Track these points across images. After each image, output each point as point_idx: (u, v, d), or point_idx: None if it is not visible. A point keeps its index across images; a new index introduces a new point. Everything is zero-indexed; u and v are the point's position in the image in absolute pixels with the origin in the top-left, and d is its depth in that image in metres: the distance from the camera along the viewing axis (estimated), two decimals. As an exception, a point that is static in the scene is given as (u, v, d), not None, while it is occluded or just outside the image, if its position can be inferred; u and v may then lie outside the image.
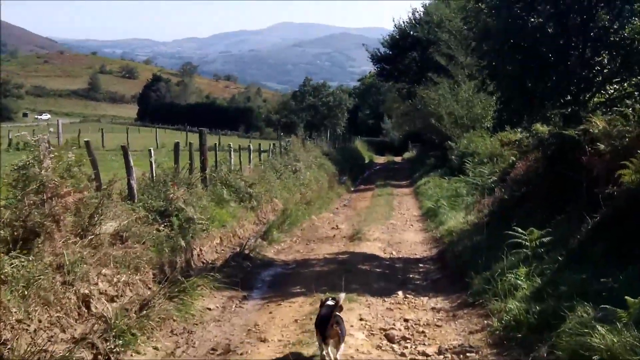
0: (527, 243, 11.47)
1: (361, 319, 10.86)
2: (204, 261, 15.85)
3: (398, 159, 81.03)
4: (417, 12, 60.71)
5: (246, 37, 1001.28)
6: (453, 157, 36.02)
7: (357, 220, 24.52)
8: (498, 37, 16.34)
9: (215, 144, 23.17)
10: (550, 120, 16.74)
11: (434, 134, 45.65)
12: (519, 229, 11.68)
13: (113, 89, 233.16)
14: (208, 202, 18.41)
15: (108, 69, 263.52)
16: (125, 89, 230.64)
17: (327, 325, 8.47)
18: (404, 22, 62.50)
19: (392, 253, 18.38)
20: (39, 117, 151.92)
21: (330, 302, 8.92)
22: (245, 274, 14.91)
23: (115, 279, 10.97)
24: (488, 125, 38.42)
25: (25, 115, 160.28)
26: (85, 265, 10.29)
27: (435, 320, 11.09)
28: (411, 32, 60.79)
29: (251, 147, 27.56)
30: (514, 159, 21.58)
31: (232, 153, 23.93)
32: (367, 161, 69.43)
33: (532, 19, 16.00)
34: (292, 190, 28.51)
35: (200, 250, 15.99)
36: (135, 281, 11.71)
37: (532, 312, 9.14)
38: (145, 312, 9.96)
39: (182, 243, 14.37)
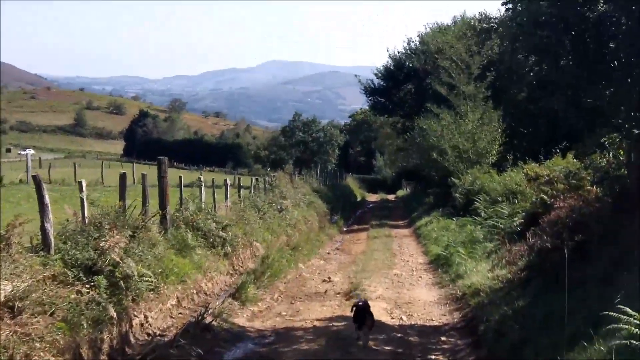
0: (634, 328, 7.33)
1: None
2: (151, 332, 11.72)
3: (391, 197, 77.81)
4: (413, 41, 57.24)
5: (236, 75, 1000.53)
6: (457, 194, 32.13)
7: (354, 270, 20.38)
8: (553, 25, 12.16)
9: (180, 176, 19.01)
10: (608, 145, 12.72)
11: (434, 169, 41.79)
12: (623, 307, 7.56)
13: (100, 125, 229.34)
14: (165, 250, 14.31)
15: (95, 104, 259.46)
16: (113, 125, 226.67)
17: (366, 315, 11.49)
18: (398, 52, 59.05)
19: (401, 318, 14.22)
20: (22, 152, 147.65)
21: (360, 303, 11.80)
22: (202, 355, 10.66)
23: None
24: (493, 161, 34.88)
25: (8, 150, 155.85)
26: None
27: None
28: (407, 63, 57.26)
29: (228, 181, 23.40)
30: (545, 197, 17.71)
31: (202, 188, 19.80)
32: (359, 199, 65.72)
33: (597, 5, 11.83)
34: (276, 231, 24.43)
35: (146, 317, 11.83)
36: (22, 382, 7.57)
37: None
38: None
39: (112, 312, 10.20)
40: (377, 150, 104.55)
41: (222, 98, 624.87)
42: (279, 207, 27.64)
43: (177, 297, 13.62)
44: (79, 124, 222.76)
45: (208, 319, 12.26)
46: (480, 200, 25.52)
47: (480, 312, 12.96)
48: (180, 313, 13.32)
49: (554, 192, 17.53)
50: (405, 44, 58.04)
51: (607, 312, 7.64)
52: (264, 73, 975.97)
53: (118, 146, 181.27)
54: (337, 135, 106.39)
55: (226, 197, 22.61)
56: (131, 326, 11.12)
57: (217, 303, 13.85)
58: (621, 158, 12.48)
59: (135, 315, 11.39)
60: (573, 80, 12.13)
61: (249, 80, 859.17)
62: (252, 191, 27.06)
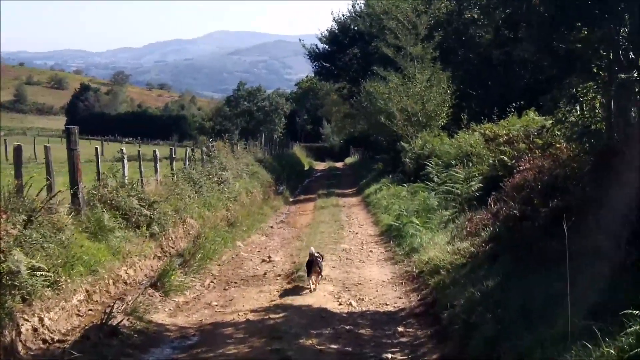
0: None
1: None
2: (48, 338, 9.62)
3: (339, 164, 76.15)
4: (358, 4, 55.28)
5: (182, 47, 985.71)
6: (407, 159, 30.48)
7: (298, 247, 18.47)
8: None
9: (97, 148, 16.88)
10: (581, 96, 10.81)
11: (382, 134, 40.13)
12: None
13: (41, 100, 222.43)
14: (75, 234, 12.25)
15: (36, 79, 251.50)
16: (54, 100, 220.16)
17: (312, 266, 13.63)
18: (343, 15, 57.14)
19: (350, 304, 12.26)
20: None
21: (315, 254, 13.95)
22: None
23: None
24: (442, 124, 33.74)
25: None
26: None
27: None
28: (352, 26, 55.41)
29: (157, 153, 21.19)
30: (505, 159, 16.07)
31: (125, 161, 17.54)
32: (306, 168, 63.98)
33: None
34: (215, 206, 22.33)
35: (41, 320, 9.71)
36: None
37: None
38: None
39: (-15, 321, 8.12)
40: (324, 118, 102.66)
41: (167, 70, 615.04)
42: (218, 179, 25.57)
43: (87, 291, 11.52)
44: (19, 100, 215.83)
45: (119, 318, 10.19)
46: (432, 164, 23.74)
47: (442, 294, 11.02)
48: (90, 310, 11.21)
49: (515, 152, 15.90)
50: (350, 7, 56.32)
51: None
52: (209, 44, 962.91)
53: (60, 122, 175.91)
54: (283, 104, 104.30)
55: (156, 171, 20.47)
56: (19, 333, 9.03)
57: (131, 297, 11.78)
58: (597, 110, 10.68)
59: (25, 319, 9.27)
60: (544, 20, 10.16)
61: (195, 51, 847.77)
62: (187, 163, 24.84)
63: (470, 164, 20.39)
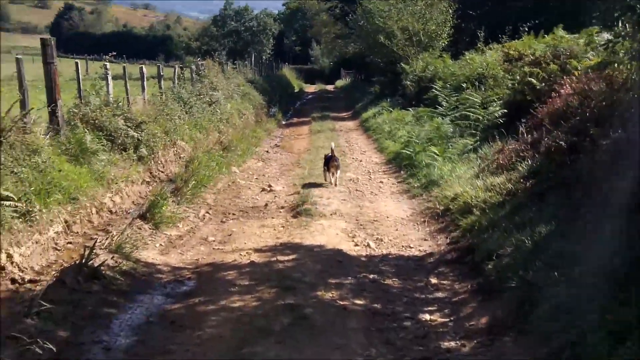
0: None
1: None
2: (18, 279, 7.99)
3: (330, 87, 74.28)
4: None
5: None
6: (408, 82, 28.66)
7: (299, 174, 16.87)
8: None
9: (76, 62, 15.02)
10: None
11: (380, 55, 38.05)
12: None
13: (25, 19, 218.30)
14: (53, 157, 10.63)
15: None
16: (38, 19, 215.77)
17: (330, 160, 15.28)
18: None
19: (368, 245, 10.55)
20: None
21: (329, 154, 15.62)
22: (77, 321, 6.96)
23: None
24: (443, 45, 32.03)
25: None
26: None
27: None
28: None
29: (144, 70, 19.31)
30: (534, 81, 14.41)
31: (109, 79, 15.67)
32: (297, 90, 62.07)
33: None
34: (206, 128, 20.64)
35: (10, 257, 8.07)
36: None
37: None
38: None
39: None
40: (313, 39, 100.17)
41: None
42: (209, 99, 23.80)
43: (65, 222, 9.89)
44: (2, 19, 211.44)
45: (102, 257, 8.54)
46: (439, 87, 21.96)
47: (479, 239, 9.34)
48: (70, 243, 9.65)
49: (545, 75, 14.24)
50: None
51: None
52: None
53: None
54: (272, 24, 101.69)
55: (143, 89, 18.70)
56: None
57: (116, 230, 10.16)
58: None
59: (-11, 259, 7.72)
60: None
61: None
62: (176, 82, 22.95)
63: (483, 88, 18.81)
